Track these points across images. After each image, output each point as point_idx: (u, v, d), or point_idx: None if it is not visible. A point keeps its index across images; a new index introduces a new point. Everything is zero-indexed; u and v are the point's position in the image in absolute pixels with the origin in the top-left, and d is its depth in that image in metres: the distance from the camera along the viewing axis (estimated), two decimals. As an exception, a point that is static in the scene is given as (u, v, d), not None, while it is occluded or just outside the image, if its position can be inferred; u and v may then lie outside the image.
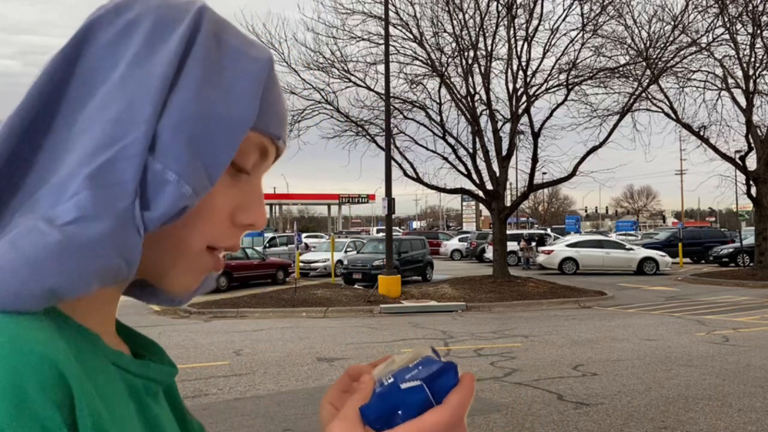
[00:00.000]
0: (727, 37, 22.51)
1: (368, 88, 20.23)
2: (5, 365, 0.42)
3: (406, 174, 20.47)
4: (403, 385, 0.55)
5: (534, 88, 20.57)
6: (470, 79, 20.46)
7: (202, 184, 0.54)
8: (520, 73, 20.42)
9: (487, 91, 20.36)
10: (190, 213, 0.55)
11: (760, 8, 21.81)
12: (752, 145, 23.92)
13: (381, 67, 19.11)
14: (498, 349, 10.67)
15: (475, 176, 20.72)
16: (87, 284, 0.48)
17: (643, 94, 20.83)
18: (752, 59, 23.28)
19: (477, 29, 20.13)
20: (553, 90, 20.73)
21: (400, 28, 20.26)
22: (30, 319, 0.46)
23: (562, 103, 20.49)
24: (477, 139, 20.59)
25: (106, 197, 0.49)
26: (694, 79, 24.20)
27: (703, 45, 21.67)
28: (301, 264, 23.07)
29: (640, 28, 21.15)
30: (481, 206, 32.63)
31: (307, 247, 34.49)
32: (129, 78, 0.53)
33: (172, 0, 0.57)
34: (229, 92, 0.56)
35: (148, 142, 0.51)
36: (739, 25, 22.52)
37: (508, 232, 23.03)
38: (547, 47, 20.23)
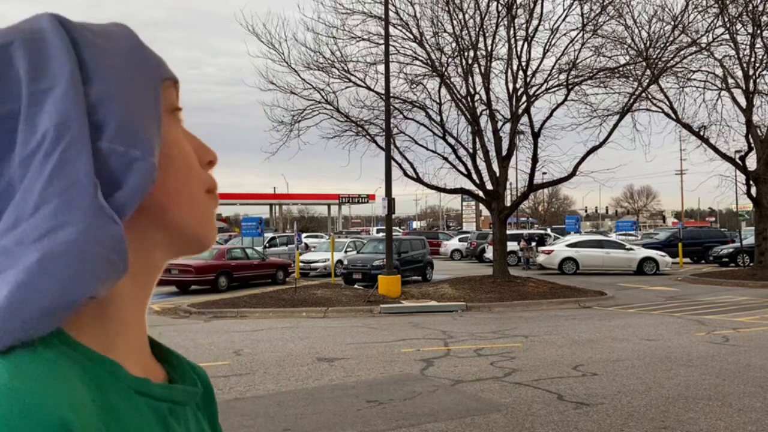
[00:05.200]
0: (727, 37, 22.50)
1: (368, 88, 20.25)
2: None
3: (406, 174, 20.47)
4: None
5: (534, 88, 20.56)
6: (470, 79, 20.46)
7: (155, 146, 0.55)
8: (520, 73, 20.41)
9: (487, 91, 20.35)
10: (180, 167, 0.58)
11: (760, 8, 21.81)
12: (752, 145, 23.91)
13: (381, 67, 19.12)
14: (498, 349, 10.67)
15: (475, 176, 20.72)
16: (86, 287, 0.48)
17: (643, 94, 20.82)
18: (752, 59, 23.27)
19: (477, 29, 20.13)
20: (553, 90, 20.73)
21: (400, 28, 20.27)
22: (35, 364, 0.45)
23: (562, 103, 20.47)
24: (477, 139, 20.59)
25: (68, 201, 0.48)
26: (694, 79, 24.21)
27: (703, 45, 21.67)
28: (301, 264, 23.06)
29: (640, 28, 21.16)
30: (481, 206, 32.64)
31: (307, 247, 34.48)
32: (36, 95, 0.50)
33: (20, 25, 0.55)
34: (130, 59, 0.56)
35: (86, 130, 0.50)
36: (739, 25, 22.51)
37: (508, 232, 23.02)
38: (547, 47, 20.22)
